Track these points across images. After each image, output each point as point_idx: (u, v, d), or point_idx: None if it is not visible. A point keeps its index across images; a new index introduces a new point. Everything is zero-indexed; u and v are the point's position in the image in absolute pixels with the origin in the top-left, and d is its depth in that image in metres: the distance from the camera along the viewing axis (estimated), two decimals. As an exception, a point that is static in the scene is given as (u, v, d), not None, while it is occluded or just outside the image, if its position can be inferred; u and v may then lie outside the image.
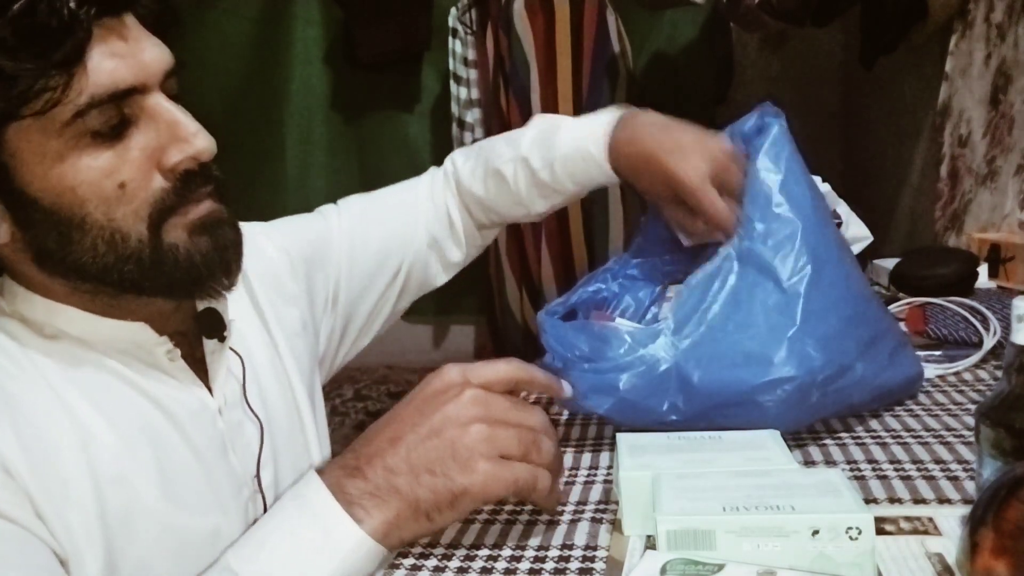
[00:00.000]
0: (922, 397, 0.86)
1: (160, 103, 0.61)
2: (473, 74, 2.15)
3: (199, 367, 0.70)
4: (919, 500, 0.62)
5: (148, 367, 0.67)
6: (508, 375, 0.63)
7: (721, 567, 0.47)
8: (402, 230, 0.95)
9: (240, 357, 0.74)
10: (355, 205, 0.95)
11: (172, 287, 0.64)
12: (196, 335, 0.71)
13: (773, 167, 0.77)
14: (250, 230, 0.84)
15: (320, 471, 0.60)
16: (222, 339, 0.72)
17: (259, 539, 0.59)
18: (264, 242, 0.85)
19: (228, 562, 0.58)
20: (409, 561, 0.60)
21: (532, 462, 0.59)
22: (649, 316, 0.87)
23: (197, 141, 0.62)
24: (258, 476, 0.72)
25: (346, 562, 0.56)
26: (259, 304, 0.81)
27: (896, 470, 0.68)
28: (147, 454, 0.64)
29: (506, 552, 0.60)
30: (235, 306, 0.76)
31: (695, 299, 0.75)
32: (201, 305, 0.72)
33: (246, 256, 0.81)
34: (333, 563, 0.56)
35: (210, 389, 0.70)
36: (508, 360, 0.64)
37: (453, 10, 2.13)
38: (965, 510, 0.54)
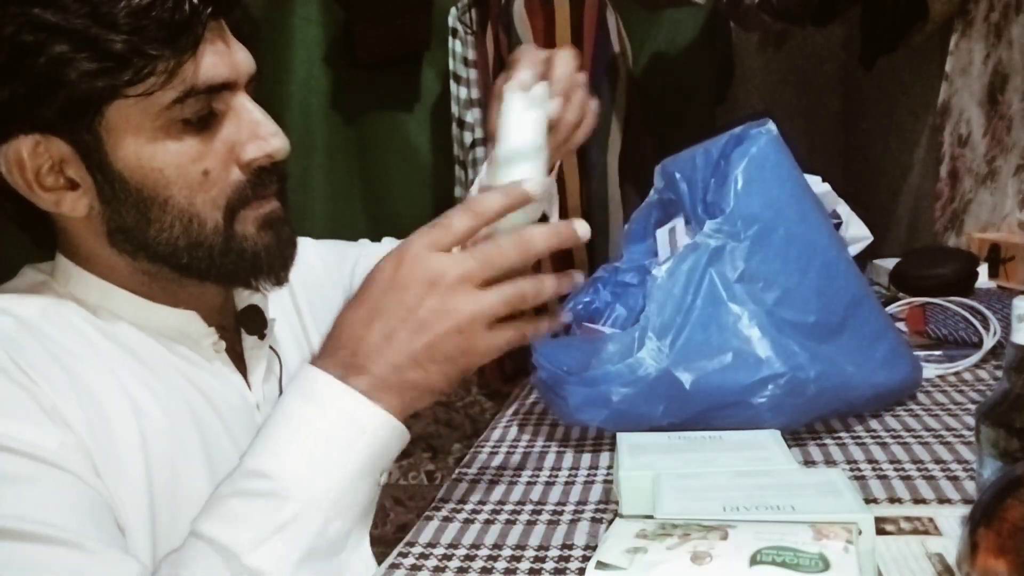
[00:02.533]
0: (922, 397, 0.86)
1: (245, 102, 0.66)
2: (473, 74, 2.15)
3: (238, 362, 0.73)
4: (919, 500, 0.62)
5: (193, 356, 0.69)
6: (469, 230, 0.62)
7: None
8: None
9: (278, 356, 0.76)
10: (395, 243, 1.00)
11: (234, 275, 0.68)
12: (237, 330, 0.74)
13: (755, 171, 0.77)
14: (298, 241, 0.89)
15: (313, 370, 0.61)
16: (262, 336, 0.74)
17: (280, 440, 0.59)
18: (309, 251, 0.88)
19: (250, 466, 0.58)
20: (409, 561, 0.60)
21: (527, 301, 0.61)
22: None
23: (274, 141, 0.66)
24: None
25: (374, 444, 0.58)
26: (299, 309, 0.85)
27: (896, 470, 0.68)
28: (194, 439, 0.66)
29: (506, 552, 0.60)
30: (275, 307, 0.79)
31: (676, 300, 0.75)
32: (243, 302, 0.74)
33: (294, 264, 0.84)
34: (362, 445, 0.58)
35: (248, 384, 0.73)
36: (462, 208, 0.63)
37: (453, 10, 2.13)
38: (965, 510, 0.54)
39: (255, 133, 0.66)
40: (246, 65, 0.66)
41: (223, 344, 0.71)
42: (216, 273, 0.67)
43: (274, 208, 0.69)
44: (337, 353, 0.61)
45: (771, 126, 0.80)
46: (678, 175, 0.84)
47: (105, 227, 0.65)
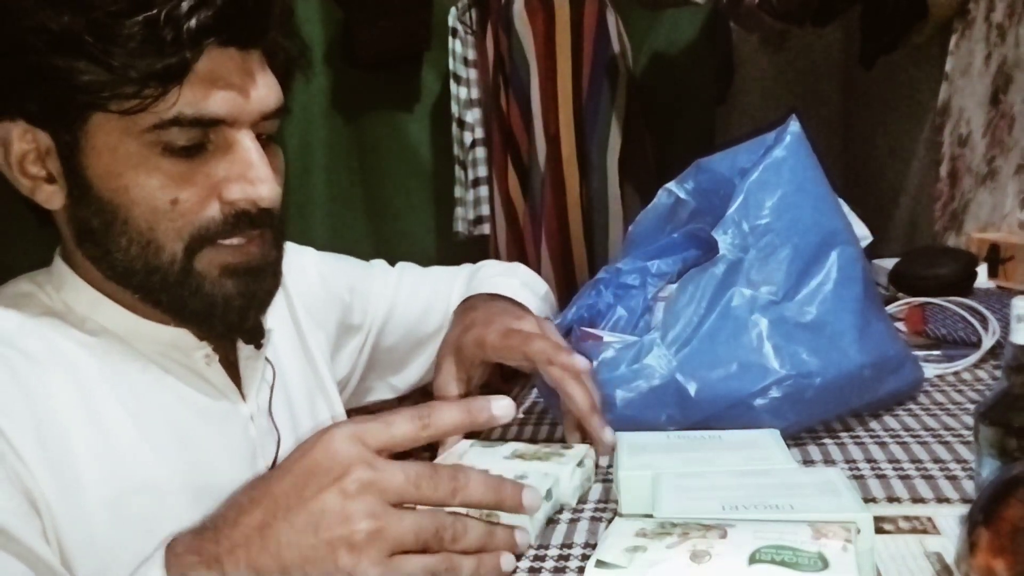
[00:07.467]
0: (921, 397, 0.86)
1: (243, 141, 0.62)
2: (473, 74, 2.15)
3: (233, 372, 0.71)
4: (918, 499, 0.62)
5: (184, 370, 0.68)
6: (407, 437, 0.51)
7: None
8: (439, 317, 0.96)
9: (272, 366, 0.75)
10: (407, 276, 0.97)
11: (184, 312, 0.65)
12: (232, 340, 0.71)
13: (774, 179, 0.76)
14: (301, 251, 0.88)
15: (172, 547, 0.50)
16: (259, 346, 0.72)
17: None
18: (310, 264, 0.88)
19: None
20: (409, 560, 0.60)
21: (444, 550, 0.50)
22: (642, 325, 0.86)
23: (261, 188, 0.62)
24: None
25: None
26: (297, 318, 0.83)
27: (895, 469, 0.68)
28: (178, 459, 0.65)
29: (506, 551, 0.60)
30: (274, 316, 0.77)
31: (683, 305, 0.75)
32: None
33: (290, 273, 0.82)
34: None
35: (243, 396, 0.71)
36: (412, 414, 0.51)
37: (453, 10, 2.13)
38: (964, 509, 0.54)
39: (244, 175, 0.62)
40: (258, 103, 0.63)
41: (215, 357, 0.69)
42: (170, 304, 0.64)
43: (249, 259, 0.65)
44: (205, 532, 0.50)
45: (794, 127, 0.78)
46: (707, 181, 0.83)
47: (74, 227, 0.64)
